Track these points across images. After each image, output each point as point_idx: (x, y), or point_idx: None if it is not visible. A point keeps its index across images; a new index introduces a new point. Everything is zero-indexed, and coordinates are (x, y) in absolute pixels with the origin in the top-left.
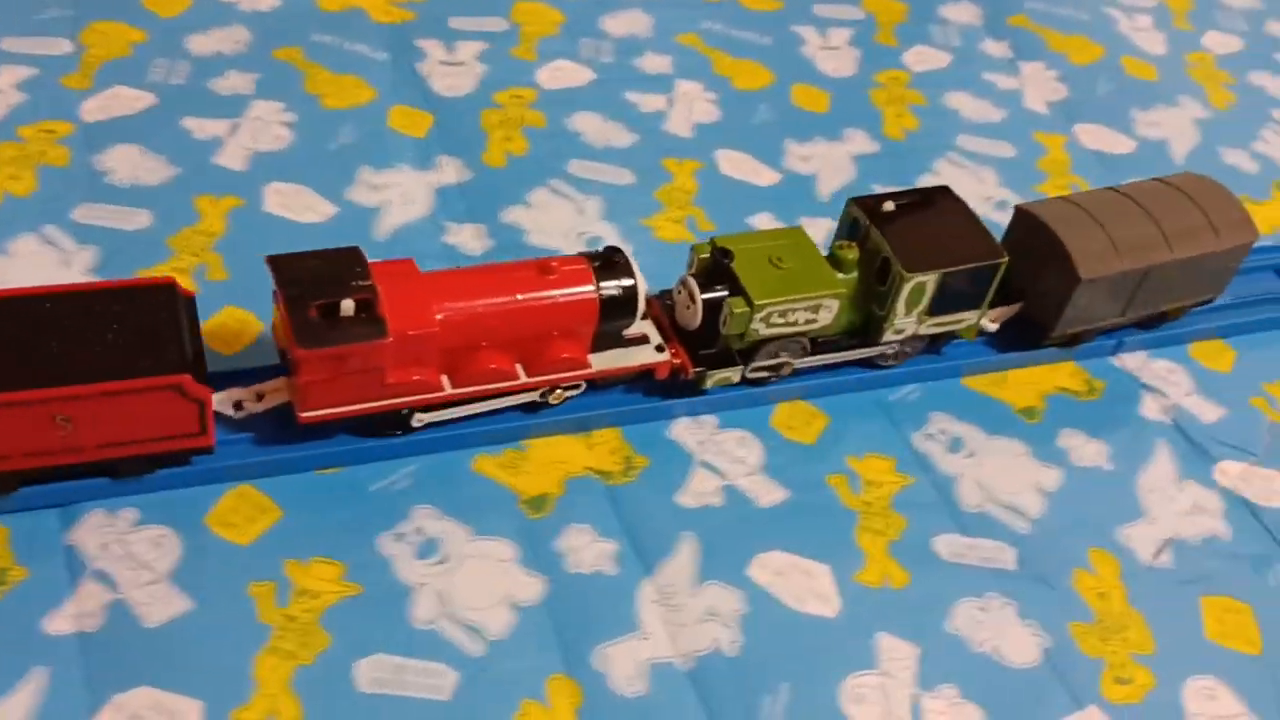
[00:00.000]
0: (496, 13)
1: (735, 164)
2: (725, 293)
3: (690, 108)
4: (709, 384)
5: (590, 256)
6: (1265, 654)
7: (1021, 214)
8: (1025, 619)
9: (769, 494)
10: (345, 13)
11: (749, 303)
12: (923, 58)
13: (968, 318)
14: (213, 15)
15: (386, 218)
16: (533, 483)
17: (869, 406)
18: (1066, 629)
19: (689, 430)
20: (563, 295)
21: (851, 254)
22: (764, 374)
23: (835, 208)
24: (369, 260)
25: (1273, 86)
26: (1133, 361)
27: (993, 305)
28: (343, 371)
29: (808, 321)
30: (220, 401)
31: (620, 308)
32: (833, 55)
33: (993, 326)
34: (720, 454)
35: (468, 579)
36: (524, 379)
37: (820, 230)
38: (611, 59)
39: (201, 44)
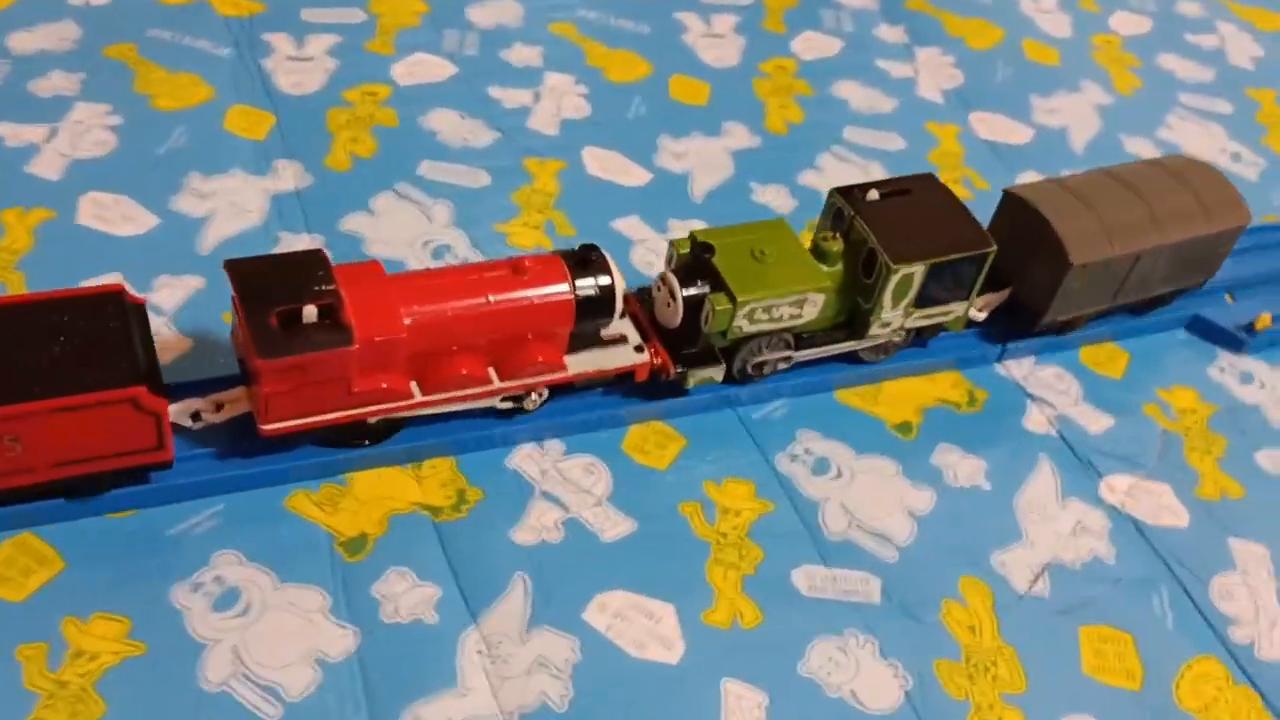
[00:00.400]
0: (354, 3)
1: (603, 163)
2: (707, 289)
3: (558, 103)
4: (691, 384)
5: (564, 254)
6: (1145, 689)
7: (1009, 198)
8: (887, 658)
9: (614, 526)
10: (188, 5)
11: (732, 299)
12: (812, 45)
13: (955, 309)
14: (39, 10)
15: (213, 229)
16: (352, 521)
17: (731, 426)
18: (931, 667)
19: (531, 458)
20: (537, 295)
21: (836, 246)
22: (752, 373)
23: (708, 208)
24: (333, 263)
25: (1181, 69)
26: (1019, 369)
27: (980, 293)
28: (306, 381)
29: (792, 317)
30: (177, 413)
31: (597, 307)
32: (716, 43)
33: (981, 316)
34: (564, 483)
35: (268, 633)
36: (497, 384)
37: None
38: (476, 51)
39: (24, 41)
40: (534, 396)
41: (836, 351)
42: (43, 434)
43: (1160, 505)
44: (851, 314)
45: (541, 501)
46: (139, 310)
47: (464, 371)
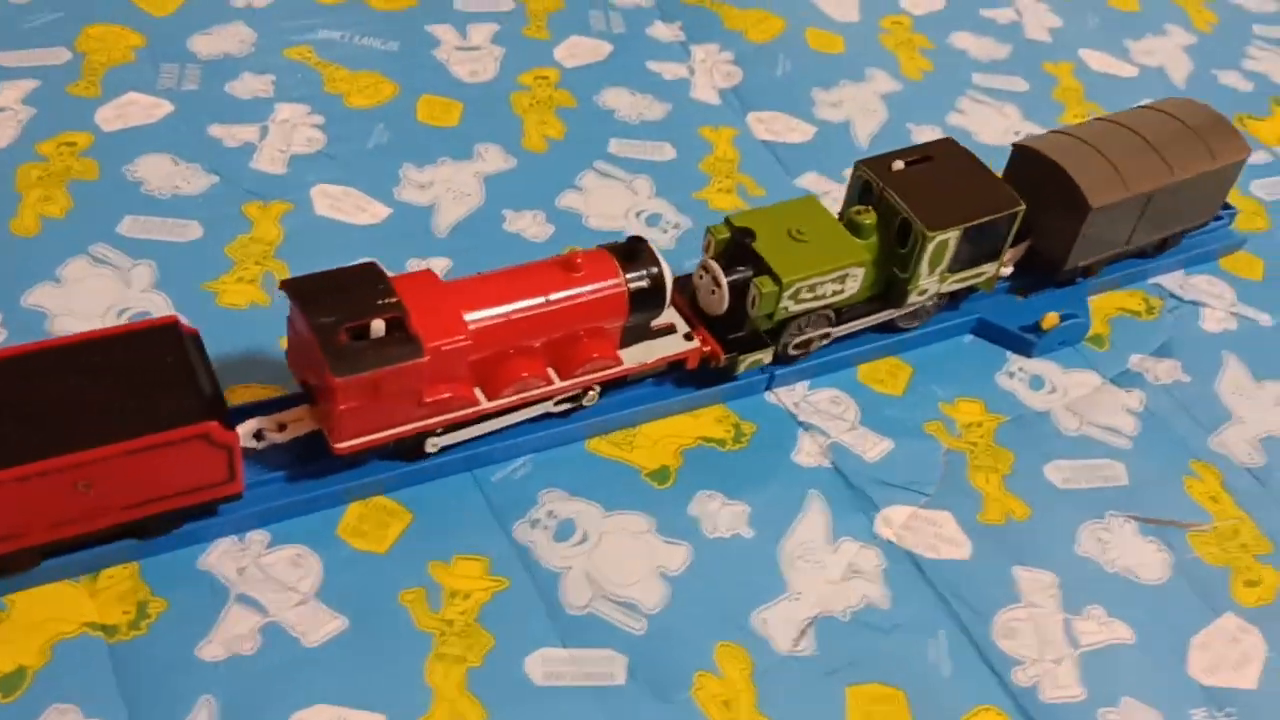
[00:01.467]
0: (57, 41)
1: (335, 201)
2: (750, 273)
3: (288, 136)
4: (742, 368)
5: (611, 248)
6: None
7: (1020, 150)
8: None
9: (321, 627)
10: None
11: (777, 281)
12: (577, 51)
13: (987, 270)
14: None
15: None
16: (8, 654)
17: (465, 493)
18: None
19: (229, 555)
20: (591, 291)
21: (869, 219)
22: (797, 352)
23: (453, 243)
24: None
25: (975, 47)
26: (791, 395)
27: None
28: (378, 396)
29: (835, 293)
30: (240, 434)
31: (649, 298)
32: (471, 57)
33: (1007, 270)
34: (266, 581)
35: None
36: (558, 383)
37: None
38: (197, 85)
39: None
40: (590, 394)
41: (876, 321)
42: (115, 477)
43: (940, 536)
44: (888, 284)
45: (236, 606)
46: (196, 340)
47: (525, 374)
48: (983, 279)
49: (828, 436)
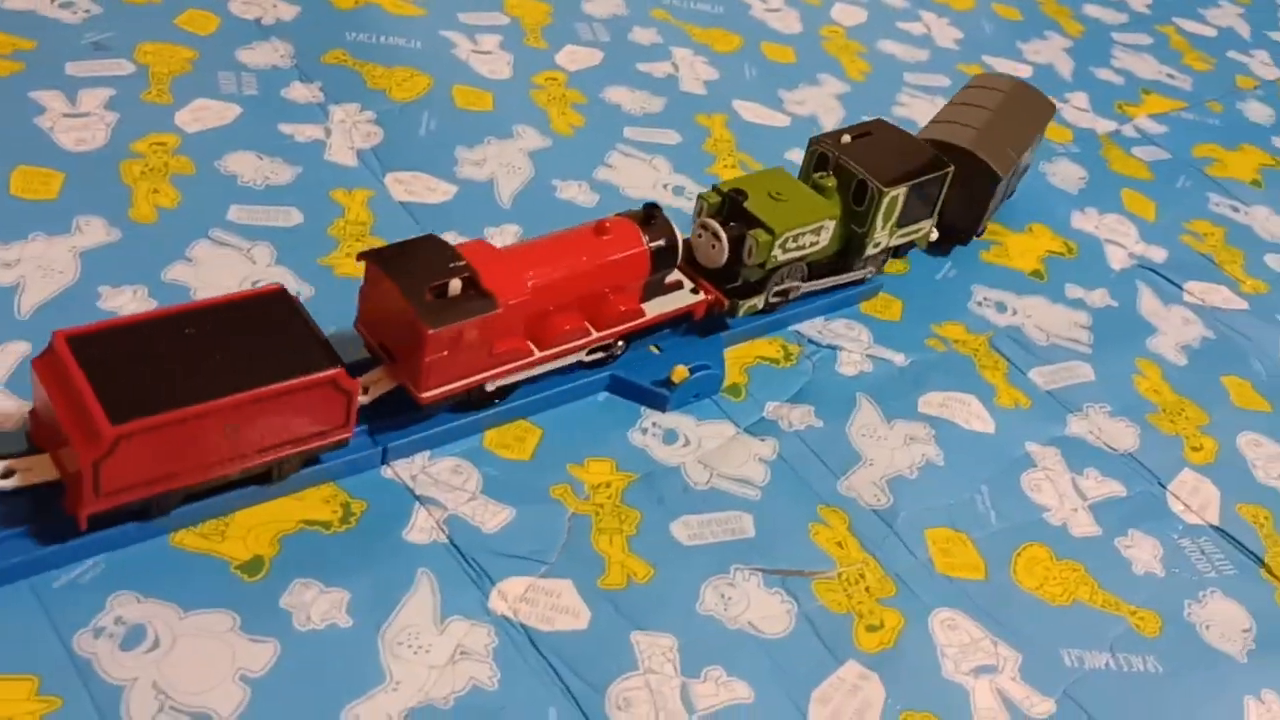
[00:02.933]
0: None
1: None
2: (745, 228)
3: None
4: (741, 312)
5: (630, 215)
6: None
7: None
8: None
9: None
10: None
11: (770, 232)
12: (202, 115)
13: (924, 226)
14: None
15: None
16: None
17: (18, 604)
18: None
19: None
20: (620, 252)
21: (830, 182)
22: (779, 299)
23: (38, 323)
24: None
25: (629, 101)
26: (410, 468)
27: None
28: (459, 347)
29: (811, 244)
30: None
31: (665, 257)
32: (79, 125)
33: (934, 235)
34: None
35: None
36: (595, 335)
37: None
38: None
39: None
40: (619, 344)
41: (843, 280)
42: (257, 420)
43: (558, 606)
44: (847, 239)
45: None
46: (302, 306)
47: (568, 327)
48: (920, 234)
49: (445, 509)
